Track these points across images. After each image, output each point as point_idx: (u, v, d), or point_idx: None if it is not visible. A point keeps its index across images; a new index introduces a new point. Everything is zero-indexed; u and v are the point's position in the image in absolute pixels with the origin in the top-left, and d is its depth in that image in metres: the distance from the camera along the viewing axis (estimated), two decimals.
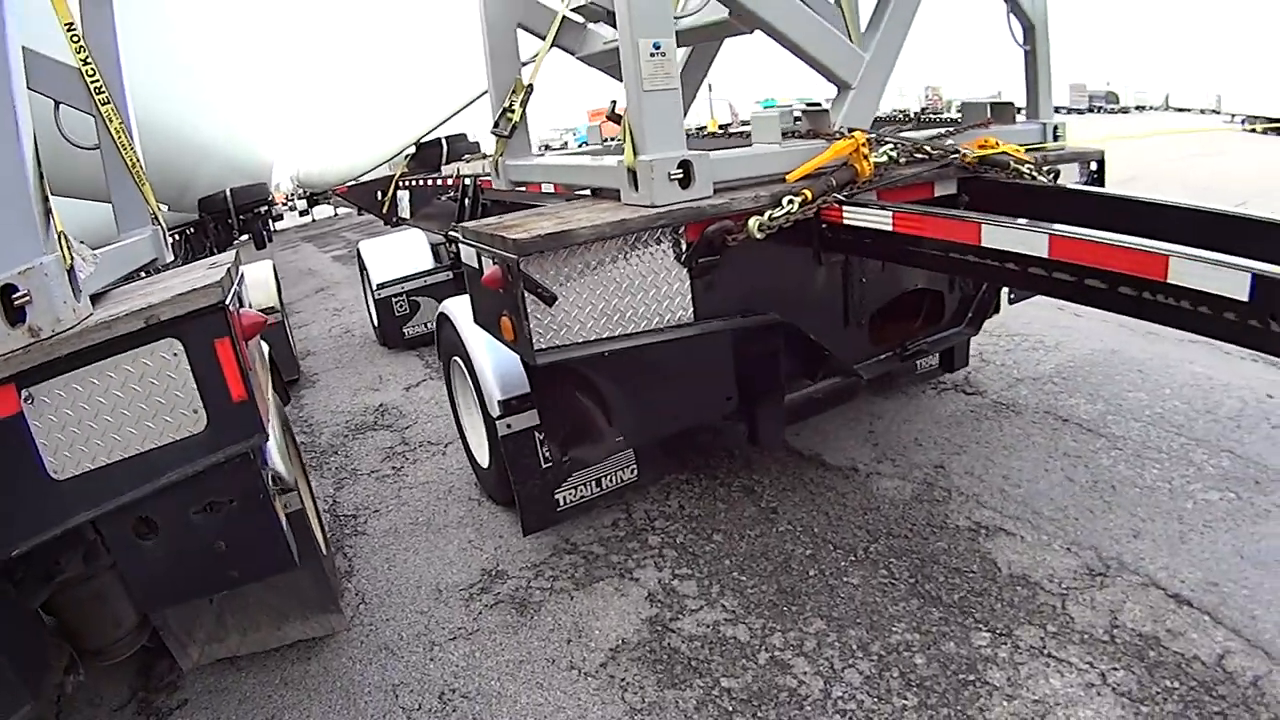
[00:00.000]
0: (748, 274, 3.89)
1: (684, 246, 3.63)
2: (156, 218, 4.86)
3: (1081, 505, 4.72)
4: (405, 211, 12.18)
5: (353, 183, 15.48)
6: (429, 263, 9.97)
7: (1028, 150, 4.69)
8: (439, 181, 10.11)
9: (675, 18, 3.78)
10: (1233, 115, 44.39)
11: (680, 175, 3.65)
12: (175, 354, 2.83)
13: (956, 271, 3.91)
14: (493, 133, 5.38)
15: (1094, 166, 5.24)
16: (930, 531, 4.60)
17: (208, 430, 2.90)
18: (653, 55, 3.54)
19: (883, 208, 3.67)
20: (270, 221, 24.16)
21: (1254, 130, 38.58)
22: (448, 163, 11.27)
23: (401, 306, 9.75)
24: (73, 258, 2.93)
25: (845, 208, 3.82)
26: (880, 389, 6.14)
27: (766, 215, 3.63)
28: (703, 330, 3.79)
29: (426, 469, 6.28)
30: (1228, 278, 2.37)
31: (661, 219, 3.55)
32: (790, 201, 3.67)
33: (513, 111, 5.19)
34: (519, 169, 5.39)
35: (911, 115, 6.74)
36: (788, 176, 3.93)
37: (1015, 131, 5.11)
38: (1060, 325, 7.88)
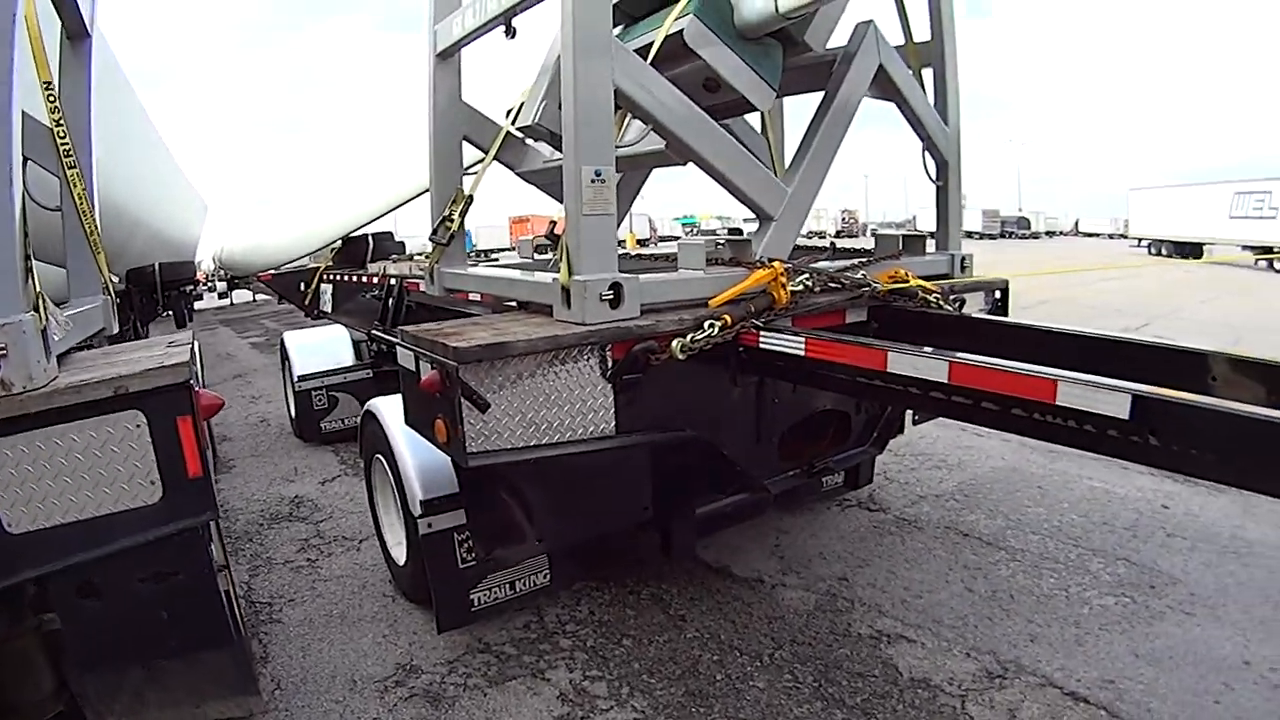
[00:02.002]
0: (667, 392, 4.08)
1: (609, 363, 3.83)
2: (108, 287, 4.86)
3: (980, 613, 4.97)
4: (328, 305, 12.10)
5: (276, 271, 15.36)
6: (350, 359, 10.03)
7: (937, 279, 5.01)
8: (363, 279, 10.15)
9: (615, 146, 4.02)
10: (1139, 240, 46.38)
11: (611, 296, 3.86)
12: (138, 425, 2.98)
13: (863, 395, 4.17)
14: (431, 239, 5.53)
15: (998, 295, 5.61)
16: (834, 639, 4.78)
17: (162, 502, 3.04)
18: (593, 181, 3.78)
19: (796, 333, 3.93)
20: (192, 301, 23.84)
21: (1159, 254, 40.52)
22: (373, 260, 11.35)
23: (321, 400, 9.77)
24: (48, 319, 3.05)
25: (762, 332, 4.07)
26: (787, 505, 6.32)
27: (689, 337, 3.88)
28: (623, 443, 3.97)
29: (341, 563, 6.28)
30: (1110, 399, 2.63)
31: (591, 336, 3.75)
32: (711, 325, 3.92)
33: (451, 220, 5.35)
34: (454, 277, 5.54)
35: (830, 244, 7.05)
36: (710, 301, 4.17)
37: (925, 262, 5.46)
38: (962, 445, 8.21)
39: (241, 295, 35.70)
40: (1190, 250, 41.42)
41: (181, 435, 3.04)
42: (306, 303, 12.91)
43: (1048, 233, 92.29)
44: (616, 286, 3.88)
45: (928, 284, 4.73)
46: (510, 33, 4.87)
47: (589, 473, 4.12)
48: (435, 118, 5.51)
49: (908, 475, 7.51)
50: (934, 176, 5.72)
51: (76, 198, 4.50)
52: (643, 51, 4.23)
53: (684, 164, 4.82)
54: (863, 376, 3.56)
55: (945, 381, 3.18)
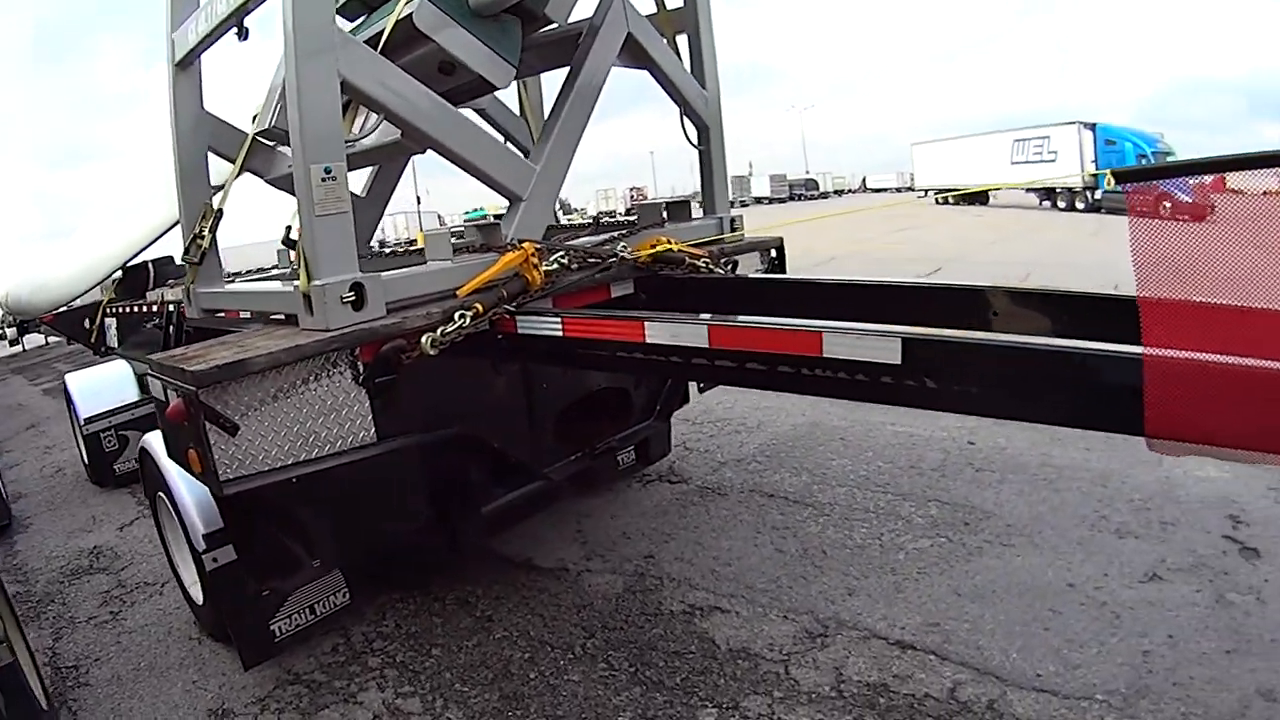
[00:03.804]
0: (428, 390, 3.93)
1: (360, 368, 3.65)
2: None
3: (793, 574, 4.96)
4: (113, 340, 11.60)
5: (61, 309, 14.63)
6: (135, 395, 9.50)
7: (706, 244, 4.98)
8: (145, 309, 9.72)
9: (348, 141, 3.84)
10: (925, 191, 48.52)
11: (353, 298, 3.68)
12: None
13: (628, 369, 4.09)
14: (183, 259, 5.26)
15: (774, 254, 5.60)
16: (645, 620, 4.73)
17: None
18: (324, 180, 3.61)
19: (554, 314, 3.83)
20: None
21: (946, 202, 42.39)
22: (154, 288, 10.90)
23: (110, 442, 9.29)
24: None
25: (518, 317, 3.95)
26: (586, 488, 6.26)
27: (439, 331, 3.72)
28: (385, 449, 3.80)
29: (145, 611, 5.99)
30: (879, 345, 2.57)
31: (335, 342, 3.56)
32: (462, 316, 3.76)
33: (203, 238, 5.09)
34: (210, 296, 5.27)
35: (594, 219, 6.98)
36: (459, 291, 4.01)
37: (692, 228, 5.41)
38: (762, 407, 8.28)
39: (34, 339, 33.89)
40: (976, 197, 43.55)
41: None
42: (93, 339, 12.34)
43: (836, 192, 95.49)
44: (358, 287, 3.71)
45: (693, 249, 4.67)
46: (242, 34, 4.66)
47: (359, 484, 3.92)
48: (178, 130, 5.23)
49: (708, 443, 7.54)
50: (695, 141, 5.69)
51: None
52: (374, 40, 4.08)
53: (422, 152, 4.68)
54: (623, 351, 3.46)
55: (706, 346, 3.10)
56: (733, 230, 5.61)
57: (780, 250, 5.64)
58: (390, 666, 4.67)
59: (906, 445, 6.77)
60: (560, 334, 3.71)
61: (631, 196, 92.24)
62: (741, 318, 3.11)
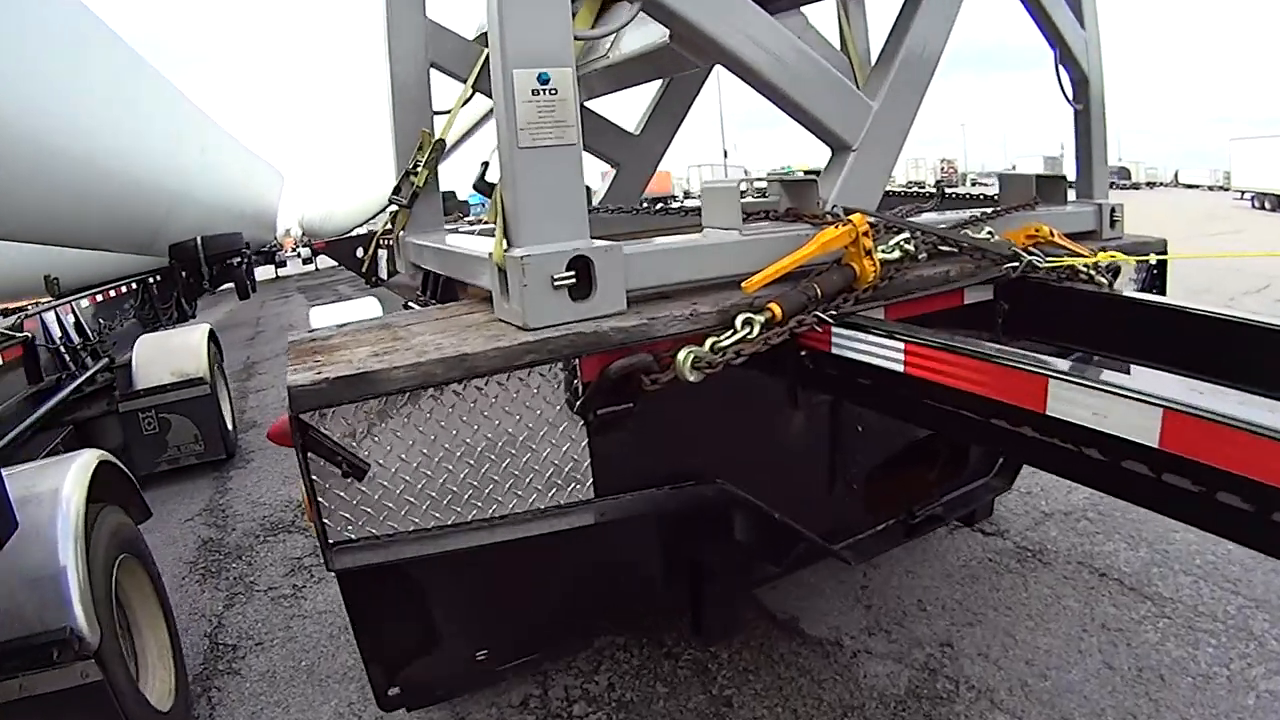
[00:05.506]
0: (676, 424, 2.61)
1: (579, 389, 2.39)
2: None
3: (1124, 707, 3.76)
4: (384, 272, 11.25)
5: (337, 237, 14.76)
6: None
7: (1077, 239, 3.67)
8: None
9: (578, 38, 2.52)
10: (1242, 193, 44.81)
11: (572, 279, 2.37)
12: None
13: (1000, 446, 2.65)
14: (392, 199, 4.23)
15: (1153, 262, 4.12)
16: None
17: None
18: (536, 94, 2.32)
19: (894, 336, 2.42)
20: (254, 270, 23.14)
21: (1263, 207, 38.83)
22: None
23: None
24: None
25: (835, 330, 2.59)
26: None
27: (708, 344, 2.40)
28: (601, 515, 2.52)
29: (329, 593, 5.36)
30: None
31: (532, 352, 2.28)
32: (748, 324, 2.46)
33: (416, 173, 4.06)
34: (415, 249, 4.21)
35: (936, 187, 5.55)
36: (746, 283, 2.63)
37: (1066, 215, 4.05)
38: None
39: (326, 260, 36.02)
40: None
41: None
42: (364, 269, 12.12)
43: (1148, 184, 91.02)
44: (582, 264, 2.38)
45: (1080, 248, 3.31)
46: None
47: (562, 558, 2.70)
48: (392, 42, 4.21)
49: (1029, 481, 6.16)
50: (1071, 97, 4.33)
51: None
52: None
53: (705, 66, 3.38)
54: (1002, 418, 2.09)
55: (1154, 446, 1.73)
56: (1112, 224, 4.19)
57: (1163, 257, 4.12)
58: None
59: None
60: (900, 368, 2.34)
61: (941, 169, 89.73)
62: (1214, 405, 1.63)
